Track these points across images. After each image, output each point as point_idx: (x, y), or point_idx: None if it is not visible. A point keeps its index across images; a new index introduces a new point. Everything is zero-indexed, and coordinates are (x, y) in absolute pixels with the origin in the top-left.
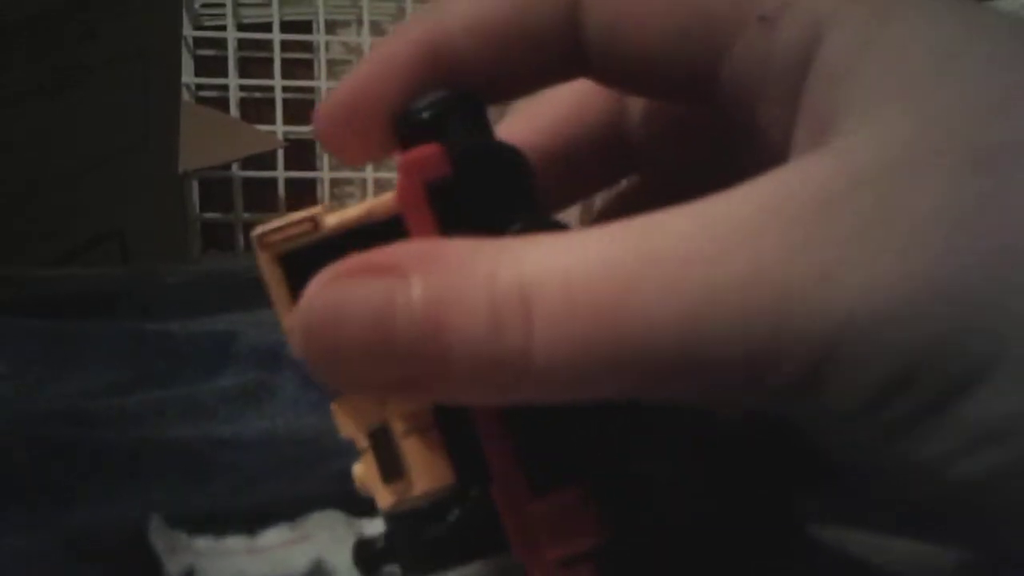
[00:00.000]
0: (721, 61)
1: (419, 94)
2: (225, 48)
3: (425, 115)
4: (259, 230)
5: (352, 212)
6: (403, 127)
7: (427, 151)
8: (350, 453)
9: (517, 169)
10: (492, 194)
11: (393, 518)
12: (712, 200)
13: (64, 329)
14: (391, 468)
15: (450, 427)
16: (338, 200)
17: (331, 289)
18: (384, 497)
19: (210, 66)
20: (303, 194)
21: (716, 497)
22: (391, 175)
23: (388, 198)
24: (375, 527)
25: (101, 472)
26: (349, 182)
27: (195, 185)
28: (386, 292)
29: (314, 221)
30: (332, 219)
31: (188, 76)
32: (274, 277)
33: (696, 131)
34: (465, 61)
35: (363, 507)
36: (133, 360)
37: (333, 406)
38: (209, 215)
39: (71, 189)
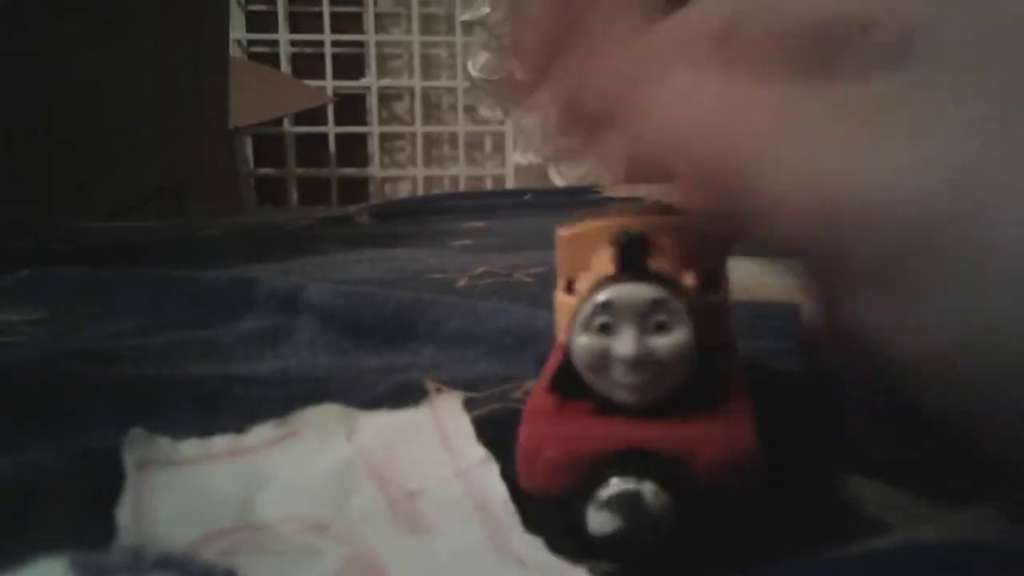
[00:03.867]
0: None
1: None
2: (275, 3)
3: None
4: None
5: None
6: None
7: None
8: (363, 388)
9: None
10: None
11: None
12: None
13: (99, 277)
14: None
15: None
16: (388, 155)
17: None
18: None
19: (261, 21)
20: (354, 149)
21: None
22: (441, 128)
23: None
24: (373, 420)
25: (119, 404)
26: (400, 136)
27: (249, 141)
28: None
29: None
30: None
31: (239, 32)
32: None
33: None
34: None
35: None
36: (160, 306)
37: None
38: (263, 170)
39: (125, 145)
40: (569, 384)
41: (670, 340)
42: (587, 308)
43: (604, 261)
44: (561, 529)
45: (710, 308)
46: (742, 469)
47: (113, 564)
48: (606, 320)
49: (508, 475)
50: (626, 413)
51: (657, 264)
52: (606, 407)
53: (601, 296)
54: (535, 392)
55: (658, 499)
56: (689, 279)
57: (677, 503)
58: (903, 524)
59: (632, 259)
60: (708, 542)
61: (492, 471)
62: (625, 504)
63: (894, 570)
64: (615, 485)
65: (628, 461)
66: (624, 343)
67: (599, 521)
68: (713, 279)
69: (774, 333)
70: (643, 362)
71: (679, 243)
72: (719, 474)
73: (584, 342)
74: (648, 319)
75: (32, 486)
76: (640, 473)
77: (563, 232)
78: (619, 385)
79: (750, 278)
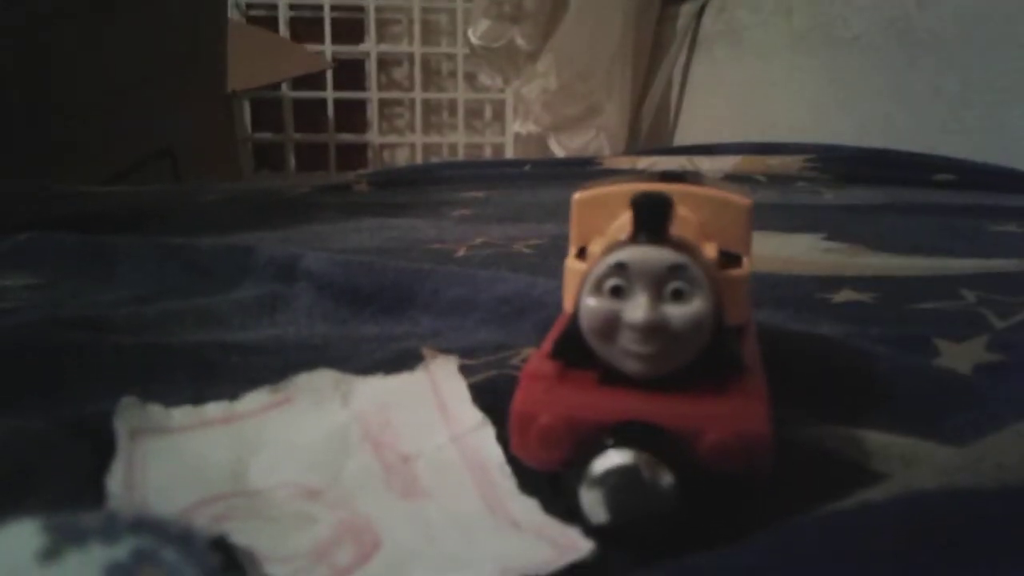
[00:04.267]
0: None
1: None
2: None
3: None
4: None
5: None
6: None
7: None
8: (361, 357)
9: None
10: None
11: None
12: None
13: (98, 244)
14: None
15: None
16: (387, 121)
17: None
18: None
19: None
20: (353, 115)
21: None
22: (440, 95)
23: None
24: (368, 385)
25: (115, 372)
26: (399, 102)
27: (246, 106)
28: None
29: None
30: None
31: None
32: None
33: None
34: None
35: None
36: (159, 273)
37: None
38: (260, 135)
39: (123, 109)
40: (572, 351)
41: (686, 310)
42: (599, 269)
43: (622, 227)
44: (556, 502)
45: (731, 283)
46: (751, 454)
47: (87, 527)
48: (619, 283)
49: (504, 439)
50: (631, 385)
51: (678, 232)
52: (610, 377)
53: (615, 257)
54: (534, 358)
55: (657, 476)
56: (711, 251)
57: (680, 485)
58: (903, 472)
59: (652, 222)
60: (710, 525)
61: (488, 435)
62: (621, 479)
63: (890, 522)
64: (611, 457)
65: (628, 434)
66: (636, 308)
67: (592, 500)
68: (735, 253)
69: (795, 303)
70: (655, 330)
71: (702, 214)
72: (726, 457)
73: (593, 304)
74: (664, 286)
75: (27, 454)
76: (640, 446)
77: (579, 196)
78: (627, 354)
79: (775, 250)
